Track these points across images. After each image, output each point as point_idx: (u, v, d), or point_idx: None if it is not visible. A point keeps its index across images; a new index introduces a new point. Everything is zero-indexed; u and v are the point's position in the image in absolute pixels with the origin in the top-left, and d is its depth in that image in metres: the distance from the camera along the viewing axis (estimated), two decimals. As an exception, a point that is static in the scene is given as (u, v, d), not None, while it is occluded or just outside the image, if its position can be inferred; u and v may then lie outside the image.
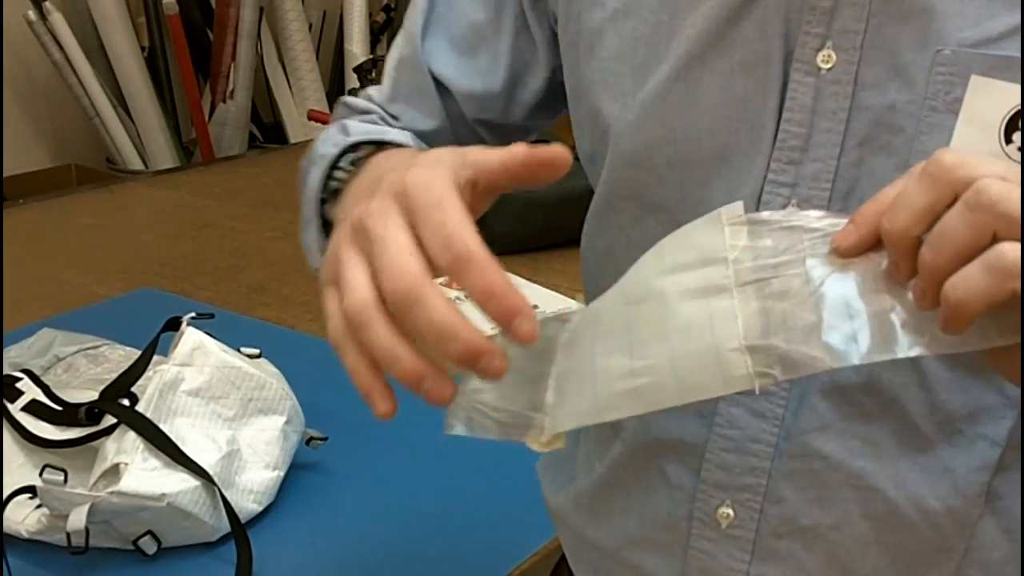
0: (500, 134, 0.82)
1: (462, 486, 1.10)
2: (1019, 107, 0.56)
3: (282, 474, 1.06)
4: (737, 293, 0.52)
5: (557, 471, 0.82)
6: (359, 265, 0.49)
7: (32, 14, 2.68)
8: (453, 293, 0.51)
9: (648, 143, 0.67)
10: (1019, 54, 0.57)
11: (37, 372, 1.12)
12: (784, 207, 0.63)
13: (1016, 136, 0.56)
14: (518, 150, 0.50)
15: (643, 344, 0.53)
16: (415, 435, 1.18)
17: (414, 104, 0.81)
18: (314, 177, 0.71)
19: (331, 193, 0.69)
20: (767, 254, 0.52)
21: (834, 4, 0.60)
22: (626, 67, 0.67)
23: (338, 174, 0.68)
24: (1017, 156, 0.56)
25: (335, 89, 3.16)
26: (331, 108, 0.82)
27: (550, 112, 0.81)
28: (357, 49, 3.04)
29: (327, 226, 0.70)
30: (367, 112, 0.83)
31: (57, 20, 2.68)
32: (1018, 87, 0.56)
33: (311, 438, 1.10)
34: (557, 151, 0.49)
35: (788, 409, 0.64)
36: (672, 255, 0.55)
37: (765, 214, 0.53)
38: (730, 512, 0.67)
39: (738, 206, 0.54)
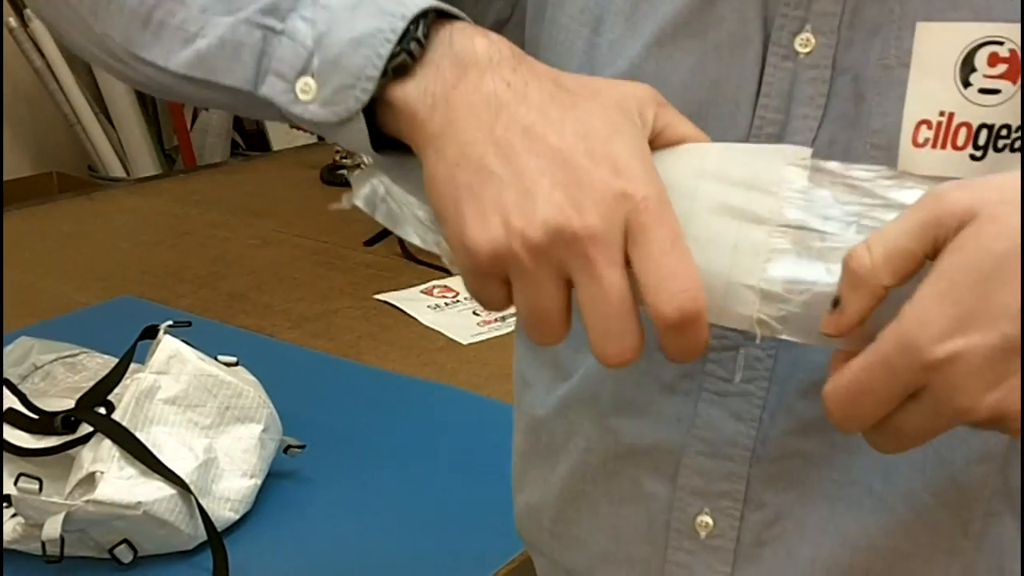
0: None
1: (440, 494, 1.10)
2: (972, 45, 0.54)
3: (259, 482, 1.06)
4: (775, 231, 0.50)
5: (522, 484, 0.79)
6: (555, 291, 0.50)
7: (13, 21, 2.68)
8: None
9: None
10: None
11: (14, 381, 1.12)
12: None
13: (973, 78, 0.54)
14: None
15: None
16: (392, 443, 1.19)
17: None
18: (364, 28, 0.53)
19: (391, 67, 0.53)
20: (820, 205, 0.50)
21: None
22: (601, 39, 0.64)
23: (413, 47, 0.52)
24: (977, 99, 0.54)
25: (318, 97, 3.15)
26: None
27: None
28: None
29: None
30: None
31: (38, 27, 2.68)
32: (969, 25, 0.53)
33: (289, 446, 1.10)
34: None
35: (766, 411, 0.62)
36: (716, 161, 0.52)
37: (831, 164, 0.51)
38: (709, 521, 0.64)
39: (806, 150, 0.52)
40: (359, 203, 0.57)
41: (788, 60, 0.59)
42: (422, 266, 1.68)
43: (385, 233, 1.76)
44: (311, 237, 1.83)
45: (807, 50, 0.58)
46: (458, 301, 1.56)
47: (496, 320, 1.48)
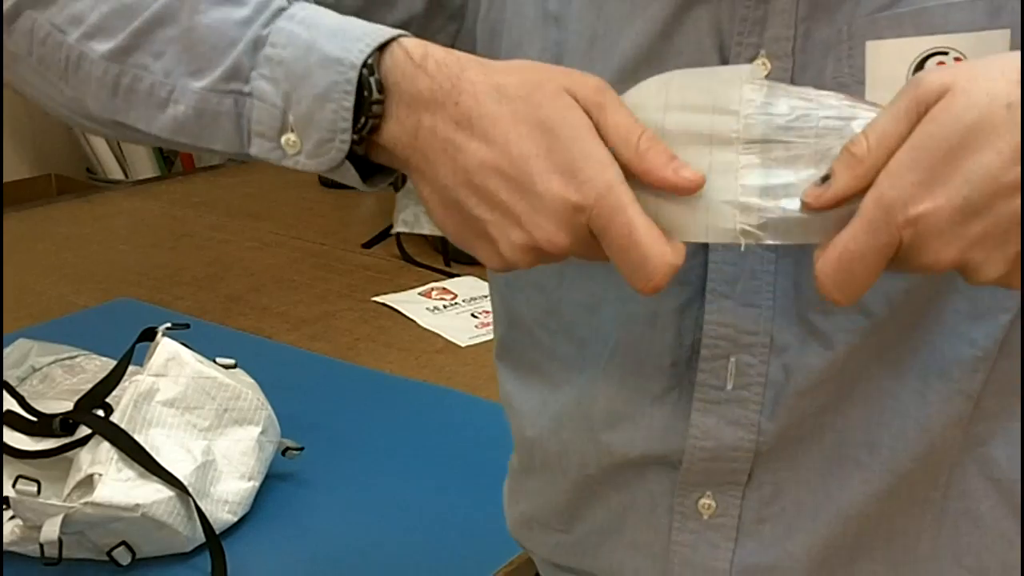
0: None
1: (438, 496, 1.10)
2: (920, 58, 0.57)
3: (257, 484, 1.06)
4: (742, 149, 0.53)
5: (519, 496, 0.82)
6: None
7: (12, 24, 2.68)
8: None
9: None
10: (908, 8, 0.58)
11: (13, 383, 1.12)
12: None
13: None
14: (652, 166, 0.54)
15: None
16: (390, 445, 1.19)
17: None
18: (325, 79, 0.56)
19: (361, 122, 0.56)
20: (780, 117, 0.53)
21: (764, 13, 0.60)
22: None
23: (376, 108, 0.56)
24: None
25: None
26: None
27: None
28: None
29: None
30: None
31: (37, 30, 2.68)
32: (914, 39, 0.57)
33: (287, 448, 1.11)
34: (693, 181, 0.53)
35: (763, 414, 0.65)
36: (680, 92, 0.55)
37: (783, 84, 0.55)
38: (712, 503, 0.68)
39: (758, 68, 0.55)
40: (401, 228, 0.62)
41: None
42: (420, 268, 1.68)
43: (383, 235, 1.76)
44: (309, 240, 1.84)
45: (764, 74, 0.61)
46: (456, 303, 1.56)
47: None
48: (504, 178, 0.54)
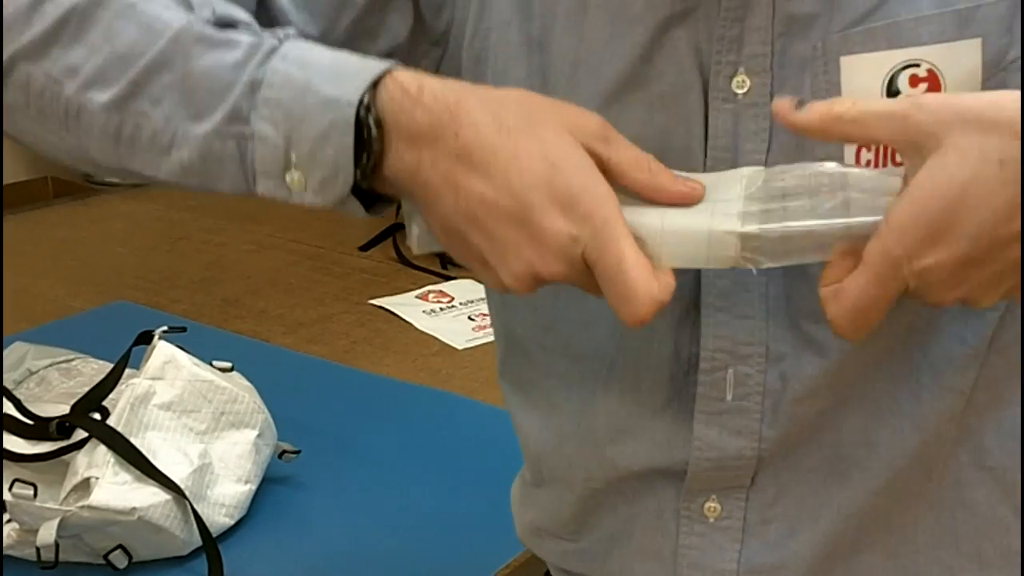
0: None
1: (435, 498, 1.10)
2: (893, 71, 0.58)
3: (254, 488, 1.06)
4: (742, 209, 0.57)
5: (527, 506, 0.82)
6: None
7: (8, 26, 2.68)
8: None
9: None
10: (880, 23, 0.59)
11: (9, 386, 1.12)
12: None
13: (899, 100, 0.58)
14: (664, 184, 0.57)
15: (637, 205, 0.57)
16: (388, 447, 1.19)
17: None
18: (325, 120, 0.56)
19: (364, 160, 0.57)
20: (779, 192, 0.57)
21: (741, 31, 0.61)
22: None
23: (376, 147, 0.57)
24: None
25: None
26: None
27: None
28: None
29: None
30: None
31: (34, 32, 2.68)
32: (887, 53, 0.58)
33: (283, 451, 1.11)
34: (694, 191, 0.57)
35: (763, 422, 0.66)
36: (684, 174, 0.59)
37: (781, 167, 0.58)
38: (717, 506, 0.69)
39: (759, 169, 0.58)
40: (417, 250, 0.63)
41: (728, 102, 0.63)
42: (417, 271, 1.68)
43: (380, 238, 1.76)
44: (306, 242, 1.84)
45: (744, 90, 0.62)
46: (453, 306, 1.56)
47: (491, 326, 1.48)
48: (503, 212, 0.55)
